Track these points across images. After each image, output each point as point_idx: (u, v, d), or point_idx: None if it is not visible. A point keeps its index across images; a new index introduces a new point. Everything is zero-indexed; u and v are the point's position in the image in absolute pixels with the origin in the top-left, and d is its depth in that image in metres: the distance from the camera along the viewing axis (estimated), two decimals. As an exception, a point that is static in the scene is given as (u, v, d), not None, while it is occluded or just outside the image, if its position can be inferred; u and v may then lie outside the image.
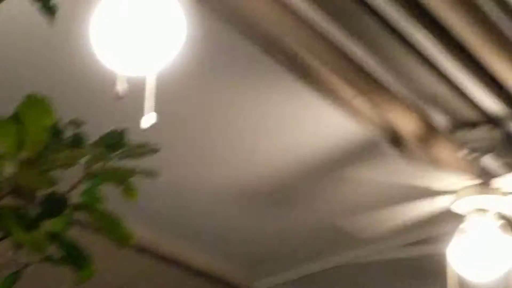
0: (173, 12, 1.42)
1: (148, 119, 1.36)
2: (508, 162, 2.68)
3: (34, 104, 0.74)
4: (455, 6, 1.98)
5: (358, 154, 2.81)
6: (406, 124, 2.58)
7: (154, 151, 0.74)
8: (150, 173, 0.76)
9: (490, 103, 2.52)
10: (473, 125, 2.60)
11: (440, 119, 2.65)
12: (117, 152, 0.75)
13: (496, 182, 2.59)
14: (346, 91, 2.46)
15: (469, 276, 2.77)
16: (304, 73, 2.36)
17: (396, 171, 2.70)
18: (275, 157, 2.92)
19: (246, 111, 2.65)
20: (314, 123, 2.77)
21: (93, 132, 0.81)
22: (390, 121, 2.59)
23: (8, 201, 0.75)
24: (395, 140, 2.69)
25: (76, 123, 0.77)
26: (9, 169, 0.74)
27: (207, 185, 3.08)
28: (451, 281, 2.86)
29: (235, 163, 2.97)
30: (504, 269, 2.76)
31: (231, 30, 2.05)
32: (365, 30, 2.16)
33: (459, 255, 2.76)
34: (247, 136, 2.80)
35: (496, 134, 2.63)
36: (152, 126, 1.32)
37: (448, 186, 2.59)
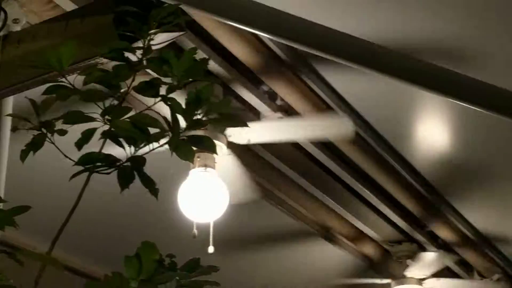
0: (221, 185, 2.76)
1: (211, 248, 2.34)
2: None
3: (147, 246, 1.27)
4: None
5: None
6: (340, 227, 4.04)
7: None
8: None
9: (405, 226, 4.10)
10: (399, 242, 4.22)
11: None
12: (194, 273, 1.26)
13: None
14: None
15: None
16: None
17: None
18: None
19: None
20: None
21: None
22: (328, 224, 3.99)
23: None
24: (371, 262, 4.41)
25: (171, 256, 1.30)
26: (133, 285, 1.25)
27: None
28: None
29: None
30: None
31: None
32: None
33: None
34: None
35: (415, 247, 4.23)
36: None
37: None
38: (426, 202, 3.80)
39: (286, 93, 2.85)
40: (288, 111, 2.98)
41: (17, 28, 1.89)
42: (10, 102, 1.92)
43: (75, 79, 1.22)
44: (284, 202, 3.67)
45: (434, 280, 4.15)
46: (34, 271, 1.26)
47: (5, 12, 1.63)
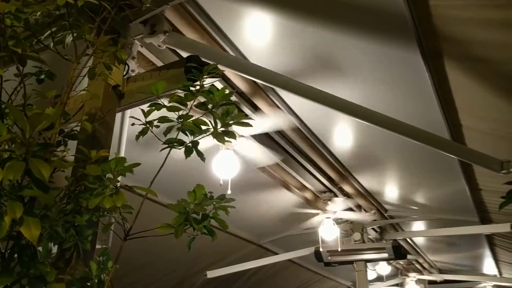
0: (233, 159, 3.73)
1: (229, 191, 3.73)
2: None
3: (199, 187, 2.41)
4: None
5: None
6: (292, 182, 7.05)
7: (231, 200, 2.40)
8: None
9: (327, 183, 7.25)
10: (324, 191, 7.65)
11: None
12: (222, 201, 2.43)
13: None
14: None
15: None
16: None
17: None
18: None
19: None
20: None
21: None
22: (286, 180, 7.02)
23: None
24: (308, 201, 7.70)
25: (210, 192, 2.46)
26: (191, 206, 2.41)
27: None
28: None
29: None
30: None
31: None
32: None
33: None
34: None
35: (332, 195, 7.68)
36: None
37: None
38: (338, 171, 6.80)
39: (264, 107, 4.92)
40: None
41: (133, 74, 3.10)
42: (129, 112, 3.44)
43: (164, 100, 2.38)
44: (265, 169, 6.54)
45: (341, 212, 7.75)
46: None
47: (128, 66, 2.84)
